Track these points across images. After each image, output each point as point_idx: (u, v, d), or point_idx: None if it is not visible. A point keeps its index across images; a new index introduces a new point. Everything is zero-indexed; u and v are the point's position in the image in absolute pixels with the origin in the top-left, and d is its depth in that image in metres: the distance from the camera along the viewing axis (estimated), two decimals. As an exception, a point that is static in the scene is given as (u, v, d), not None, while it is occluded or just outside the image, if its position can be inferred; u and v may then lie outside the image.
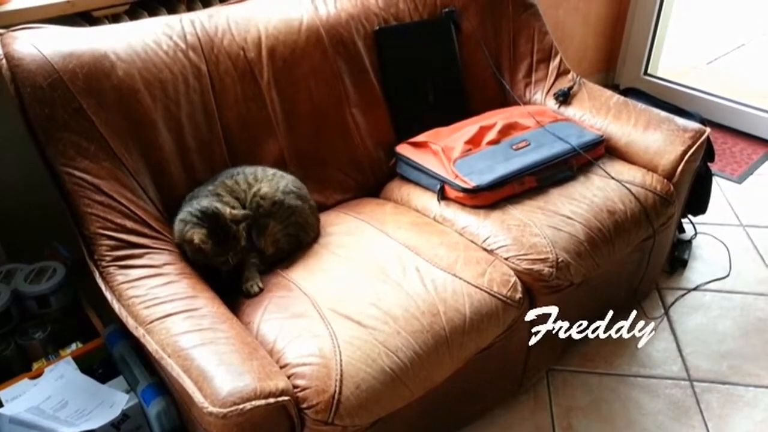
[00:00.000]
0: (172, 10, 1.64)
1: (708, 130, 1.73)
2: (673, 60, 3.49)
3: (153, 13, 1.62)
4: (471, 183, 1.53)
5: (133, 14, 1.61)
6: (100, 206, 1.27)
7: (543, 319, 1.47)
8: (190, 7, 1.66)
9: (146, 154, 1.39)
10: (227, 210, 1.32)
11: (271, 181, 1.44)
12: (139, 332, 1.14)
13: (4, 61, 1.26)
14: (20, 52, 1.27)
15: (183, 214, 1.33)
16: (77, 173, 1.27)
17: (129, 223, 1.29)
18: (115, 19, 1.58)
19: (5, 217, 1.72)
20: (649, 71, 3.07)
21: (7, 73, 1.25)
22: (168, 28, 1.47)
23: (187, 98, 1.45)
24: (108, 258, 1.25)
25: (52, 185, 1.28)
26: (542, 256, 1.42)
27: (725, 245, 2.15)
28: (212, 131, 1.48)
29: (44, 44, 1.30)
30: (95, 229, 1.26)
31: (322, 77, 1.65)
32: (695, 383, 1.68)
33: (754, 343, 1.79)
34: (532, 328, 1.46)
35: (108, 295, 1.22)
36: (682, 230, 2.17)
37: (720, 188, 2.46)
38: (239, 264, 1.35)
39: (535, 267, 1.41)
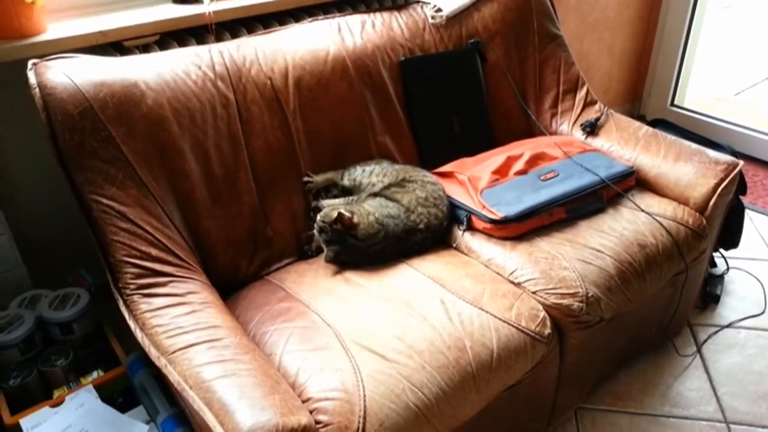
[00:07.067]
0: (201, 41, 1.67)
1: (741, 162, 1.69)
2: (700, 91, 3.45)
3: (182, 43, 1.65)
4: (499, 214, 1.50)
5: (163, 44, 1.63)
6: (126, 234, 1.27)
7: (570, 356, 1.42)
8: (219, 38, 1.69)
9: (173, 182, 1.39)
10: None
11: None
12: (161, 362, 1.13)
13: (37, 89, 1.28)
14: (53, 81, 1.29)
15: None
16: (104, 200, 1.27)
17: (154, 251, 1.28)
18: (145, 49, 1.61)
19: (31, 243, 1.74)
20: (675, 102, 3.04)
21: (39, 101, 1.27)
22: (197, 58, 1.49)
23: (214, 127, 1.46)
24: (132, 286, 1.24)
25: (77, 212, 1.29)
26: (571, 291, 1.39)
27: (759, 281, 2.08)
28: (238, 159, 1.49)
29: (76, 73, 1.32)
30: (120, 256, 1.26)
31: (348, 107, 1.65)
32: (732, 426, 1.61)
33: (794, 385, 1.72)
34: (561, 365, 1.42)
35: (131, 323, 1.21)
36: (713, 265, 2.11)
37: (752, 222, 2.40)
38: None
39: (565, 302, 1.38)
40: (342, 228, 1.42)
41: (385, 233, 1.45)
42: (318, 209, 1.49)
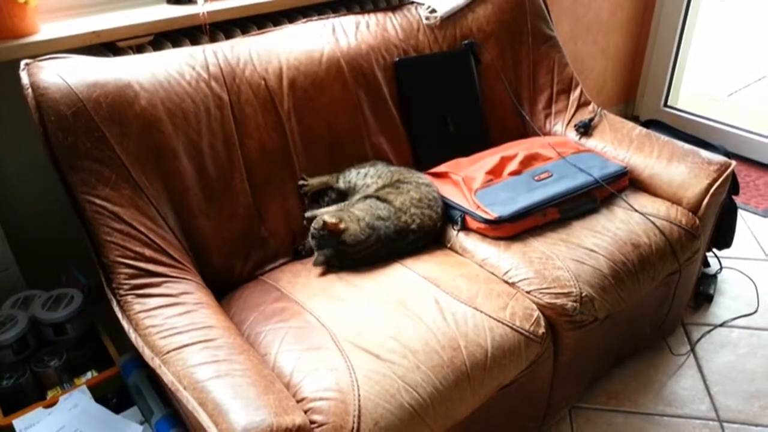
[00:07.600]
0: (195, 41, 1.67)
1: (733, 163, 1.70)
2: (693, 92, 3.47)
3: (176, 44, 1.65)
4: (493, 214, 1.51)
5: (156, 45, 1.63)
6: (120, 234, 1.27)
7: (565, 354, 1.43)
8: (213, 39, 1.68)
9: (167, 183, 1.39)
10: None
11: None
12: (155, 362, 1.13)
13: (29, 90, 1.27)
14: (45, 82, 1.28)
15: None
16: (98, 201, 1.27)
17: (148, 252, 1.28)
18: (139, 49, 1.61)
19: (25, 243, 1.73)
20: (669, 103, 3.06)
21: (32, 102, 1.27)
22: (191, 59, 1.49)
23: (208, 127, 1.45)
24: (126, 286, 1.24)
25: (71, 213, 1.29)
26: (565, 290, 1.39)
27: (752, 280, 2.10)
28: (232, 160, 1.49)
29: (69, 74, 1.31)
30: (114, 257, 1.25)
31: (342, 107, 1.65)
32: (725, 424, 1.61)
33: (786, 383, 1.73)
34: (555, 364, 1.42)
35: (125, 324, 1.21)
36: (707, 264, 2.12)
37: (745, 222, 2.41)
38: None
39: (559, 301, 1.38)
40: (329, 234, 1.42)
41: (377, 237, 1.45)
42: (311, 219, 1.50)
